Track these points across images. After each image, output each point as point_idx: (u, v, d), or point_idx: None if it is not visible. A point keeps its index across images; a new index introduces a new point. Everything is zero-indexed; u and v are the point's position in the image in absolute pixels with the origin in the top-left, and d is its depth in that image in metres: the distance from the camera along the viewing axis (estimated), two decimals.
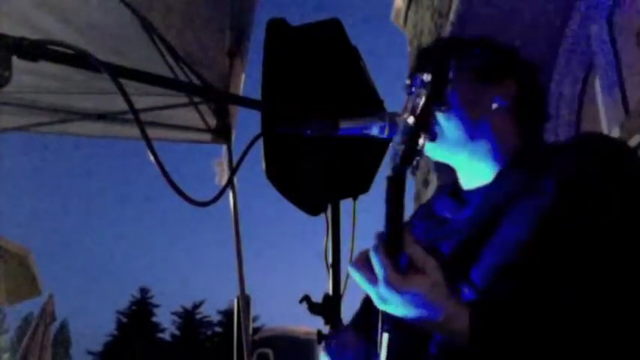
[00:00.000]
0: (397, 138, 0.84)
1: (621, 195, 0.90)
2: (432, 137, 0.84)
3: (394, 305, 0.83)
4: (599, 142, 1.01)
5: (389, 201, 0.83)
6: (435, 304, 0.83)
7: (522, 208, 0.96)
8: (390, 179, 0.83)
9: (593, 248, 0.86)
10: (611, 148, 0.98)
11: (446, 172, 1.17)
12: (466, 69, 1.11)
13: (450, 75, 0.84)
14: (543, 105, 1.18)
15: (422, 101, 0.83)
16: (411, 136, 0.83)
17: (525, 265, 0.90)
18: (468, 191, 1.14)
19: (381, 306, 0.85)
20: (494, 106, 1.10)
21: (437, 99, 0.83)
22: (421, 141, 0.83)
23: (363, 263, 0.85)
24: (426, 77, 0.83)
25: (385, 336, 0.86)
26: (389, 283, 0.81)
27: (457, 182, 1.18)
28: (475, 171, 1.12)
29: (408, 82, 1.21)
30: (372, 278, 0.84)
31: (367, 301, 1.38)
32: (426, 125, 0.83)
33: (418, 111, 0.83)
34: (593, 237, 0.87)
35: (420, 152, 0.84)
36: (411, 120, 0.83)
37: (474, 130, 1.08)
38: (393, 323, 0.88)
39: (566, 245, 0.87)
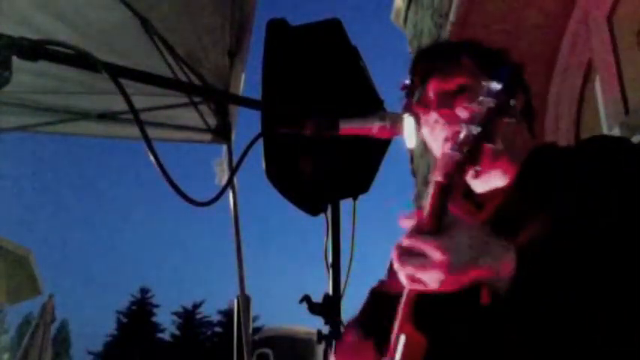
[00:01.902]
0: (452, 145, 0.81)
1: (622, 195, 0.90)
2: (497, 148, 0.82)
3: (455, 259, 0.81)
4: (603, 143, 1.01)
5: (435, 206, 0.83)
6: (487, 236, 0.84)
7: (534, 212, 0.96)
8: (439, 185, 0.83)
9: (595, 249, 0.86)
10: (615, 148, 0.98)
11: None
12: (479, 73, 1.10)
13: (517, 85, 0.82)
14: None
15: (490, 111, 0.80)
16: (475, 145, 0.80)
17: (529, 268, 0.90)
18: (482, 195, 1.14)
19: (442, 275, 0.82)
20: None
21: (507, 110, 0.80)
22: (482, 151, 0.81)
23: (407, 251, 0.84)
24: (495, 86, 0.80)
25: (402, 338, 0.86)
26: (440, 241, 0.81)
27: (468, 185, 1.17)
28: (489, 174, 1.11)
29: (407, 82, 1.20)
30: (421, 254, 0.83)
31: (374, 300, 1.38)
32: (492, 136, 0.81)
33: (486, 121, 0.80)
34: (593, 238, 0.87)
35: (479, 162, 0.82)
36: (475, 130, 0.80)
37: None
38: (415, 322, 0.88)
39: (568, 247, 0.87)
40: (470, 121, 0.80)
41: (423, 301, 0.89)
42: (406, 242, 0.84)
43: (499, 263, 0.84)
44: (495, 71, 0.81)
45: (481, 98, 0.80)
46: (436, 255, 0.81)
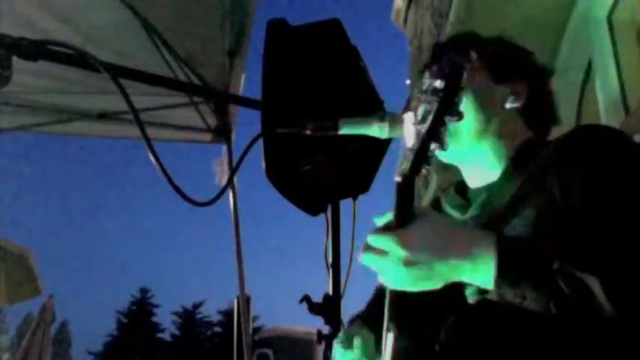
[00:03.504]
0: (408, 144, 0.83)
1: (624, 193, 0.89)
2: (443, 147, 0.83)
3: (414, 253, 0.81)
4: (597, 134, 0.99)
5: (397, 206, 0.83)
6: (452, 231, 0.83)
7: (526, 206, 0.96)
8: (398, 185, 0.82)
9: (595, 249, 0.85)
10: (605, 136, 0.97)
11: (446, 172, 1.17)
12: (481, 67, 1.11)
13: (463, 83, 0.83)
14: (553, 108, 1.18)
15: (434, 110, 0.81)
16: (422, 144, 0.82)
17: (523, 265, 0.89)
18: (474, 190, 1.14)
19: (403, 270, 0.82)
20: (506, 106, 1.10)
21: (449, 109, 0.82)
22: (431, 149, 0.82)
23: (369, 248, 0.84)
24: (439, 84, 0.81)
25: (390, 336, 0.86)
26: (398, 236, 0.80)
27: (463, 181, 1.18)
28: (480, 170, 1.12)
29: (408, 82, 1.21)
30: (382, 251, 0.82)
31: (378, 294, 1.38)
32: (437, 135, 0.82)
33: (430, 120, 0.82)
34: (594, 239, 0.86)
35: (429, 160, 0.83)
36: (423, 128, 0.82)
37: (483, 130, 1.08)
38: (400, 321, 0.87)
39: (567, 247, 0.87)
40: (419, 121, 0.82)
41: (408, 299, 0.89)
42: (370, 238, 0.84)
43: (471, 258, 0.82)
44: (498, 74, 0.82)
45: (425, 97, 0.82)
46: (395, 250, 0.81)
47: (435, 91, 0.82)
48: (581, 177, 0.91)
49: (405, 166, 0.82)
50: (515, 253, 0.82)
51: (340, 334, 1.23)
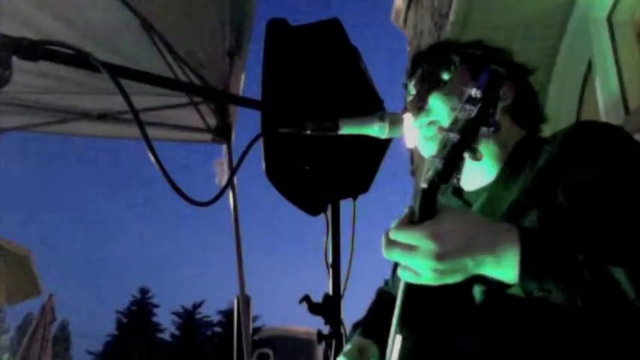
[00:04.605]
0: (437, 151, 0.81)
1: (623, 194, 0.89)
2: (476, 156, 0.81)
3: (445, 246, 0.79)
4: (595, 129, 1.00)
5: (421, 213, 0.82)
6: (478, 223, 0.82)
7: (531, 205, 0.96)
8: (424, 191, 0.81)
9: (596, 249, 0.85)
10: (607, 133, 0.97)
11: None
12: (464, 71, 1.12)
13: (500, 93, 0.82)
14: (538, 106, 1.19)
15: (470, 119, 0.79)
16: (454, 153, 0.80)
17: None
18: (470, 192, 1.14)
19: (433, 264, 0.80)
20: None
21: (486, 119, 0.80)
22: (463, 159, 0.81)
23: (394, 243, 0.83)
24: (475, 93, 0.79)
25: (398, 338, 0.85)
26: (428, 229, 0.79)
27: (459, 183, 1.18)
28: (476, 172, 1.12)
29: (406, 82, 1.22)
30: (410, 246, 0.81)
31: (378, 300, 1.38)
32: (471, 144, 0.80)
33: (465, 129, 0.80)
34: (595, 239, 0.86)
35: (459, 170, 0.81)
36: (455, 137, 0.80)
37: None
38: (409, 323, 0.87)
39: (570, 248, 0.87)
40: (449, 129, 0.80)
41: (419, 301, 0.88)
42: (394, 231, 0.83)
43: (495, 251, 0.81)
44: (477, 77, 0.81)
45: (461, 105, 0.80)
46: (423, 242, 0.80)
47: (470, 100, 0.80)
48: (590, 174, 0.91)
49: (432, 173, 0.81)
50: (539, 246, 0.81)
51: (347, 348, 1.23)
